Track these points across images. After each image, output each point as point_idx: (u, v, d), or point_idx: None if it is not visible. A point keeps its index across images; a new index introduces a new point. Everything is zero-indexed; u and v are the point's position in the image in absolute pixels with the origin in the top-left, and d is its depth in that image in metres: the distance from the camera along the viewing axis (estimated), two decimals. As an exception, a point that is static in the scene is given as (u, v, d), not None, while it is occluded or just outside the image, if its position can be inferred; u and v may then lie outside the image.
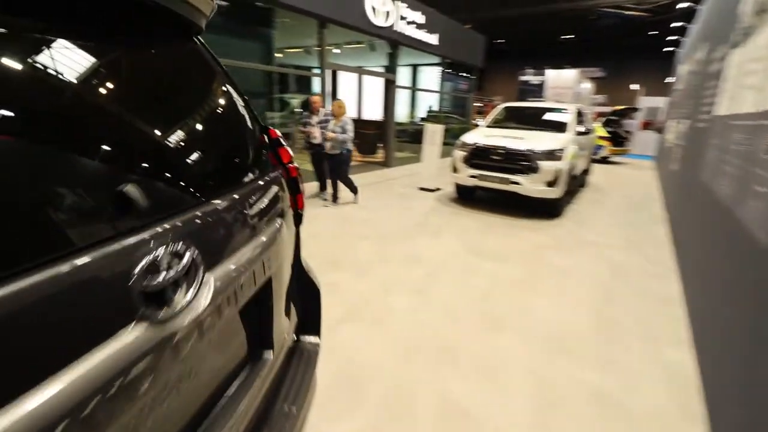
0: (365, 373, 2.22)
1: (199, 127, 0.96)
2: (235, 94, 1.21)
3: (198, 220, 0.75)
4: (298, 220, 1.41)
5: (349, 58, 11.02)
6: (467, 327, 2.74)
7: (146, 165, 0.73)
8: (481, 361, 2.37)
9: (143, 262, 0.57)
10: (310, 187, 5.78)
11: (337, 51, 9.85)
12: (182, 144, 0.85)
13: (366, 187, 7.03)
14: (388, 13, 7.73)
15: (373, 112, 12.06)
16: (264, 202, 1.07)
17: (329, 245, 4.17)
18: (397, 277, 3.47)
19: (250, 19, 6.16)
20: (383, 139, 9.68)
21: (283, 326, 1.22)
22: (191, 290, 0.64)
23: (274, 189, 1.17)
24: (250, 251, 0.90)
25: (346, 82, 13.46)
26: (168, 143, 0.81)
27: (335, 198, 5.78)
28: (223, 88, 1.17)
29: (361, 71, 9.76)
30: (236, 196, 0.93)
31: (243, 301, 0.85)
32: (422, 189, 6.99)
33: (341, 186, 5.73)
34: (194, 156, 0.89)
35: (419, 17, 8.80)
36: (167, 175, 0.79)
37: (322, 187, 6.01)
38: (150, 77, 0.88)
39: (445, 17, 10.03)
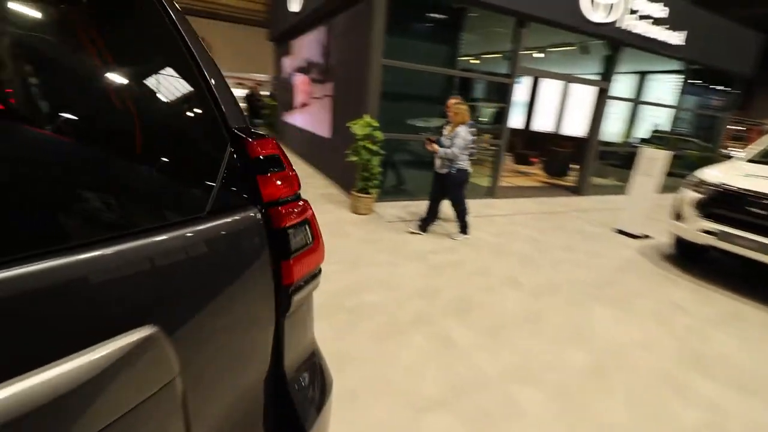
0: None
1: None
2: (174, 71, 0.66)
3: None
4: (283, 303, 0.77)
5: (555, 64, 9.58)
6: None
7: None
8: None
9: None
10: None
11: (540, 55, 8.61)
12: None
13: (543, 216, 5.79)
14: (611, 6, 6.15)
15: (578, 127, 10.24)
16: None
17: (466, 282, 3.36)
18: (542, 358, 2.42)
19: (437, 20, 5.80)
20: (579, 159, 7.98)
21: None
22: None
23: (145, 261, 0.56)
24: None
25: (549, 91, 11.94)
26: None
27: (423, 224, 4.49)
28: (152, 60, 0.64)
29: (564, 77, 8.27)
30: None
31: None
32: (620, 232, 5.28)
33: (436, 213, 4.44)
34: None
35: (658, 10, 6.77)
36: None
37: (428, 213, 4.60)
38: None
39: (698, 9, 7.49)
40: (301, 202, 0.79)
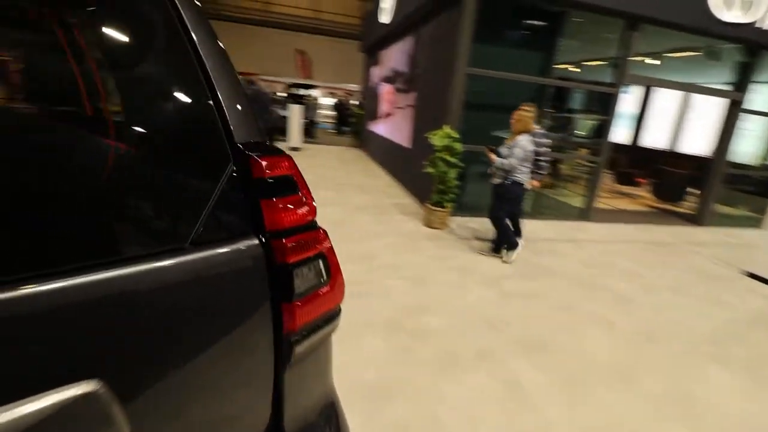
0: None
1: None
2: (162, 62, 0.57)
3: None
4: (284, 352, 0.64)
5: (674, 71, 8.36)
6: None
7: None
8: None
9: None
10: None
11: (655, 62, 7.56)
12: None
13: (647, 247, 5.00)
14: (750, 3, 5.13)
15: (699, 144, 8.83)
16: None
17: (544, 316, 2.97)
18: (631, 423, 1.98)
19: (531, 25, 5.37)
20: (699, 183, 6.80)
21: None
22: None
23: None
24: None
25: (664, 102, 10.52)
26: None
27: (496, 246, 4.08)
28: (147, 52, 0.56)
29: (684, 87, 7.13)
30: None
31: None
32: (752, 276, 4.31)
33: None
34: None
35: (823, 4, 5.48)
36: None
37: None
38: None
39: None
40: (317, 233, 0.66)
